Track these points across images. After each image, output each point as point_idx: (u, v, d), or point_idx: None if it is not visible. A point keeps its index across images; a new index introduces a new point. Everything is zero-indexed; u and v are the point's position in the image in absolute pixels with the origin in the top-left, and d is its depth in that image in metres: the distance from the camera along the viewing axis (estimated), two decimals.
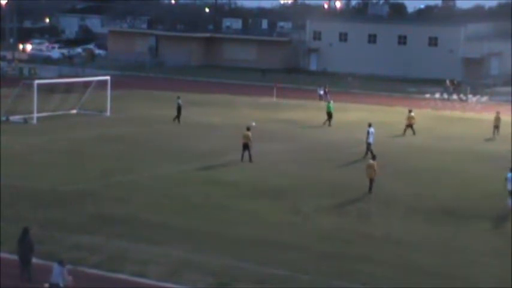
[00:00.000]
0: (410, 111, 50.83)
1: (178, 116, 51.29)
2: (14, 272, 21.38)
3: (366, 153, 40.33)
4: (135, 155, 39.98)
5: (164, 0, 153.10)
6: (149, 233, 25.89)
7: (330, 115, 52.99)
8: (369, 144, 40.93)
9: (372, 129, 41.30)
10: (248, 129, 39.87)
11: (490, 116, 62.29)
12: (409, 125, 49.93)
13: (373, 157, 34.65)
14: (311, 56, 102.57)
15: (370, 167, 33.21)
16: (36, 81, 52.22)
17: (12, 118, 49.94)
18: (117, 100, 56.95)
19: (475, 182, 36.43)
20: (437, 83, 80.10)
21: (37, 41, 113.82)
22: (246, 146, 39.04)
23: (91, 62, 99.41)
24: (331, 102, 54.63)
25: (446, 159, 41.98)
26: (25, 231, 21.31)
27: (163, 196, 31.26)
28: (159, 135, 46.63)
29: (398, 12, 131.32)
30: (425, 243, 26.18)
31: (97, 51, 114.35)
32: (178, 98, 52.08)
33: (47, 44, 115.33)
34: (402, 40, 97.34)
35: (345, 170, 37.76)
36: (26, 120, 49.79)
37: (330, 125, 52.66)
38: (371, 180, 32.93)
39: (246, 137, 39.29)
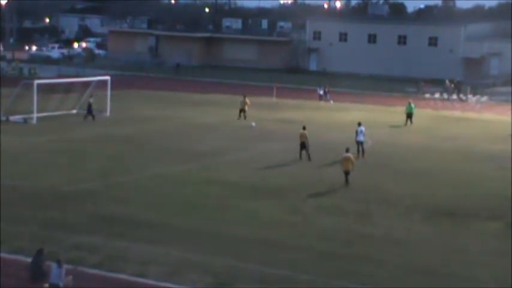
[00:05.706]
0: (244, 96, 54.52)
1: (90, 114, 51.27)
2: (14, 272, 21.38)
3: (358, 151, 40.51)
4: (135, 155, 39.98)
5: (164, 0, 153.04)
6: (149, 233, 25.87)
7: (409, 116, 53.31)
8: (360, 143, 41.05)
9: (362, 128, 41.53)
10: (304, 128, 40.22)
11: (490, 116, 62.55)
12: (242, 110, 53.76)
13: (347, 150, 34.84)
14: (311, 56, 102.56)
15: (347, 159, 33.80)
16: (36, 81, 52.15)
17: (12, 118, 49.92)
18: (117, 100, 56.89)
19: (475, 182, 36.42)
20: (437, 83, 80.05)
21: None
22: (303, 145, 39.47)
23: (91, 62, 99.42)
24: (412, 103, 54.78)
25: (446, 159, 41.99)
26: (39, 253, 20.69)
27: (163, 196, 31.25)
28: (158, 135, 46.63)
29: (398, 12, 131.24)
30: (425, 243, 26.18)
31: (97, 51, 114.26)
32: (91, 97, 52.45)
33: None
34: (402, 40, 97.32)
35: None
36: (25, 120, 49.77)
37: (411, 123, 53.74)
38: (347, 173, 33.64)
39: (303, 136, 39.67)
